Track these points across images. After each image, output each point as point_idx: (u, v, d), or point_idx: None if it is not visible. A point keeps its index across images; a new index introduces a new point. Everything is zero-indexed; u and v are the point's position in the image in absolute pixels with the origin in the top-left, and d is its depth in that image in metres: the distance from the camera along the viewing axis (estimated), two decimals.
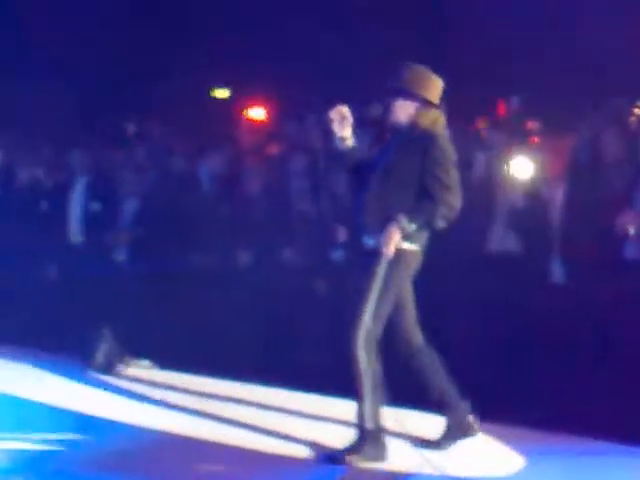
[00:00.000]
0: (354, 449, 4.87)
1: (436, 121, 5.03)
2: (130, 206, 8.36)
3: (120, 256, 8.29)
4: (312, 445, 5.13)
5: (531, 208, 6.84)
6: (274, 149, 8.65)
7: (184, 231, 7.75)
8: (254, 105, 9.97)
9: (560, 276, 6.59)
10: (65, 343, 7.52)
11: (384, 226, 4.85)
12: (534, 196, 6.86)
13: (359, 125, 5.23)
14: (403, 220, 4.81)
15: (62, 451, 5.12)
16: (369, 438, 4.88)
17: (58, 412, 5.97)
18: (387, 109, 5.07)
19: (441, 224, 4.96)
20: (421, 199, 4.91)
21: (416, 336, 5.08)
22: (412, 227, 4.83)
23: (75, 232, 8.56)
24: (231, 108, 10.47)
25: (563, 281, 6.57)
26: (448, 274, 6.41)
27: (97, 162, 8.81)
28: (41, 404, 6.16)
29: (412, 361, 5.05)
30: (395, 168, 4.97)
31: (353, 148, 5.16)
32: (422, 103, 5.02)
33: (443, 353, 5.08)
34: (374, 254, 4.89)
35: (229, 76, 10.59)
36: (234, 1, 10.02)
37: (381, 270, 4.88)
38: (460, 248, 6.68)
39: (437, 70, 5.03)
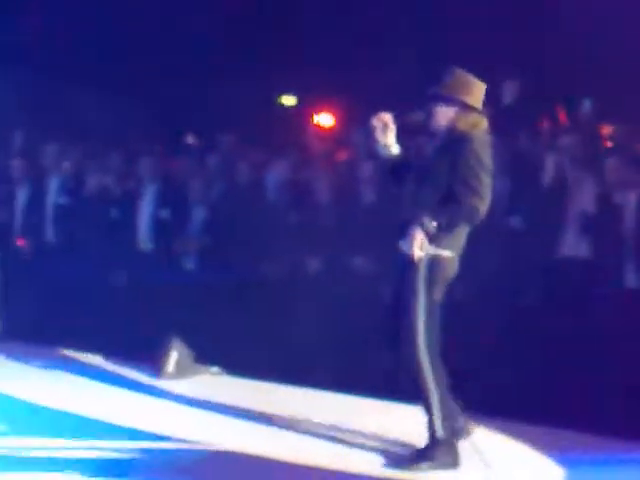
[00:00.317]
0: (424, 456, 4.89)
1: (476, 125, 5.02)
2: (199, 214, 8.45)
3: (188, 264, 8.40)
4: (385, 454, 5.15)
5: (603, 213, 6.82)
6: (342, 156, 8.69)
7: (252, 239, 7.82)
8: (322, 112, 10.01)
9: (633, 281, 6.54)
10: (134, 350, 7.59)
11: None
12: (606, 201, 6.84)
13: (405, 131, 5.29)
14: (425, 220, 4.81)
15: (130, 459, 5.18)
16: (440, 445, 4.88)
17: (126, 420, 5.99)
18: (429, 114, 5.08)
19: (464, 227, 4.96)
20: (447, 201, 4.92)
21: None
22: (433, 226, 4.81)
23: (144, 239, 8.68)
24: (298, 115, 10.52)
25: (636, 286, 6.53)
26: (520, 279, 6.41)
27: (166, 170, 8.97)
28: (107, 412, 6.18)
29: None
30: (430, 171, 4.98)
31: (397, 155, 5.18)
32: (462, 107, 5.02)
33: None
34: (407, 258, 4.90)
35: (296, 83, 10.63)
36: (300, 7, 10.08)
37: (416, 276, 4.89)
38: (532, 253, 6.68)
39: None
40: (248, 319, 7.38)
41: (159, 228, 8.57)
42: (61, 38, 10.42)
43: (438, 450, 4.87)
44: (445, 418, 4.90)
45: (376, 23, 9.27)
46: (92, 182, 9.32)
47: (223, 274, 7.88)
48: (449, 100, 5.04)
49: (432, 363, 4.89)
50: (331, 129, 9.78)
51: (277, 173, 8.41)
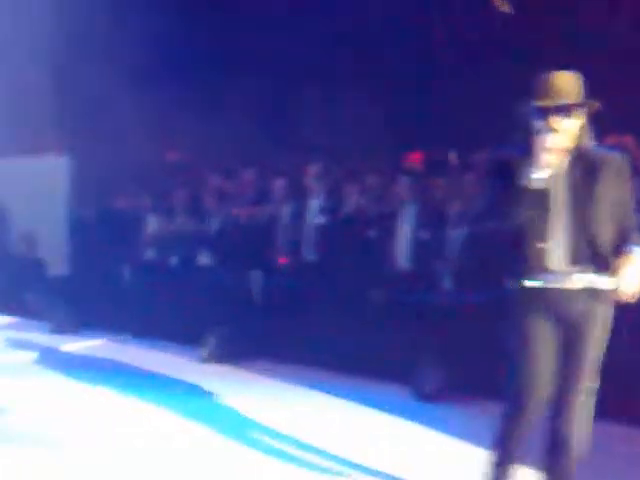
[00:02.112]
0: None
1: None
2: (457, 235, 8.70)
3: (446, 284, 8.63)
4: None
5: None
6: None
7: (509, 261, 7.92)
8: None
9: None
10: (390, 369, 7.92)
11: (591, 261, 4.43)
12: None
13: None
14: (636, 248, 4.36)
15: None
16: None
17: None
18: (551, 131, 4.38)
19: None
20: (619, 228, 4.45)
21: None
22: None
23: (402, 259, 9.05)
24: None
25: None
26: None
27: (424, 190, 9.29)
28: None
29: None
30: (596, 195, 4.41)
31: None
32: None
33: None
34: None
35: None
36: None
37: (604, 316, 4.50)
38: None
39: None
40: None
41: (418, 248, 8.85)
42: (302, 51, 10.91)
43: None
44: None
45: None
46: (350, 202, 9.80)
47: (480, 296, 8.01)
48: (581, 108, 4.44)
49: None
50: None
51: None
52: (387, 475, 5.53)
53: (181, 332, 9.66)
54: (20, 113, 13.15)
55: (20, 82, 13.24)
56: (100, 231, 11.73)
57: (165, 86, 11.76)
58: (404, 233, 9.00)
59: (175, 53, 11.97)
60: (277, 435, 6.35)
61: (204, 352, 9.03)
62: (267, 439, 6.27)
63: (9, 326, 10.97)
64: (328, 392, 7.65)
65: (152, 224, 11.51)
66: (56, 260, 12.39)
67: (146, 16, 11.85)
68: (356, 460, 5.80)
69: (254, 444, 6.14)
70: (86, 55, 12.09)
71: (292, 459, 5.81)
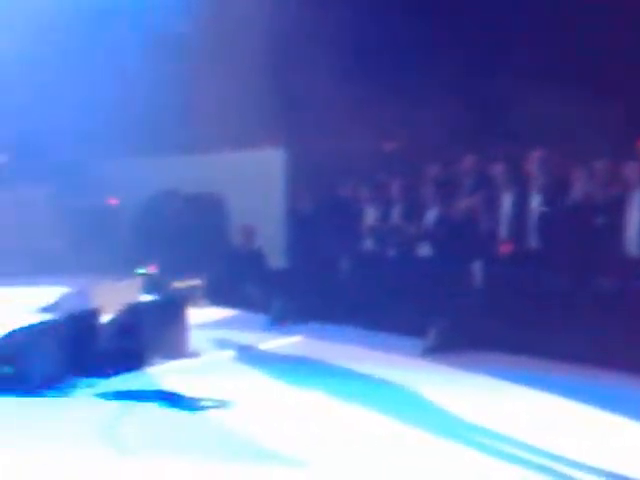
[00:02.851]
0: None
1: None
2: None
3: None
4: None
5: None
6: None
7: None
8: None
9: None
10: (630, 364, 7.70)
11: None
12: None
13: None
14: None
15: None
16: None
17: None
18: None
19: None
20: None
21: None
22: None
23: (633, 245, 8.73)
24: None
25: None
26: None
27: None
28: None
29: None
30: None
31: None
32: None
33: None
34: None
35: None
36: None
37: None
38: None
39: None
40: None
41: None
42: None
43: None
44: None
45: None
46: (575, 189, 9.55)
47: None
48: None
49: None
50: None
51: None
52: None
53: (400, 324, 9.66)
54: (236, 108, 13.50)
55: (236, 77, 13.60)
56: (317, 223, 11.91)
57: (379, 76, 11.82)
58: (634, 219, 8.71)
59: (387, 43, 12.03)
60: (495, 432, 6.24)
61: (425, 344, 9.00)
62: (485, 436, 6.20)
63: (228, 318, 11.28)
64: (559, 388, 7.40)
65: (370, 215, 11.60)
66: (274, 252, 12.65)
67: (352, 6, 11.99)
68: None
69: (475, 442, 6.09)
70: (299, 49, 12.31)
71: (512, 459, 5.72)
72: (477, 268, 9.60)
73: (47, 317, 9.53)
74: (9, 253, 13.77)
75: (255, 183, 13.51)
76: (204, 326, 10.10)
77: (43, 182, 15.44)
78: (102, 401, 6.91)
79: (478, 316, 9.11)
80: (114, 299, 9.41)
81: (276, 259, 12.62)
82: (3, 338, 7.23)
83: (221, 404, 6.80)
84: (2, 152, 11.84)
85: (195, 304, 10.86)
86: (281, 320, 10.72)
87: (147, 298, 10.77)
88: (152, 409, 6.73)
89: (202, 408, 6.72)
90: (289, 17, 12.58)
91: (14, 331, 7.34)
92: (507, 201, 9.90)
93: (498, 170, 10.12)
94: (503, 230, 9.88)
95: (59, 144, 14.89)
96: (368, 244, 11.49)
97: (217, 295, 11.84)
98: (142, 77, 13.83)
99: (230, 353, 8.90)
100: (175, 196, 14.26)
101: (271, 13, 12.87)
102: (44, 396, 6.97)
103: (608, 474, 5.36)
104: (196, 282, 11.84)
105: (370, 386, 7.54)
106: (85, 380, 7.41)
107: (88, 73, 14.26)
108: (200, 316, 10.42)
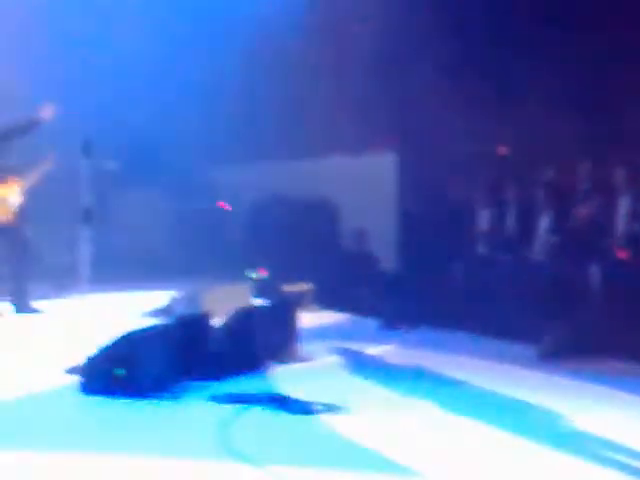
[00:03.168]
0: None
1: None
2: None
3: None
4: None
5: None
6: None
7: None
8: None
9: None
10: None
11: None
12: None
13: None
14: None
15: None
16: None
17: None
18: None
19: None
20: None
21: None
22: None
23: None
24: None
25: None
26: None
27: None
28: None
29: None
30: None
31: None
32: None
33: None
34: None
35: None
36: None
37: None
38: None
39: None
40: None
41: None
42: None
43: None
44: None
45: None
46: None
47: None
48: None
49: None
50: None
51: None
52: None
53: (515, 329, 9.54)
54: (347, 112, 13.55)
55: (347, 81, 13.65)
56: (430, 226, 11.85)
57: (493, 79, 11.72)
58: None
59: (501, 45, 11.91)
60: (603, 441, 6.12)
61: (540, 349, 8.87)
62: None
63: (339, 322, 11.30)
64: None
65: (484, 219, 11.49)
66: (386, 256, 12.64)
67: (463, 8, 11.92)
68: None
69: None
70: (411, 52, 12.29)
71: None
72: (594, 272, 9.43)
73: (159, 321, 9.70)
74: (121, 258, 14.03)
75: (367, 187, 13.52)
76: (315, 330, 10.13)
77: (154, 187, 15.72)
78: (214, 404, 6.98)
79: (596, 322, 8.95)
80: (225, 303, 9.52)
81: (388, 262, 12.60)
82: (116, 341, 7.36)
83: (332, 408, 6.80)
84: (114, 158, 12.08)
85: (306, 308, 10.91)
86: (393, 324, 10.69)
87: (258, 302, 10.88)
88: (264, 413, 6.77)
89: (313, 412, 6.73)
90: (402, 19, 12.58)
91: (127, 334, 7.46)
92: (624, 205, 9.72)
93: (616, 175, 9.94)
94: (620, 235, 9.70)
95: (170, 149, 15.14)
96: (481, 248, 11.39)
97: (328, 299, 11.88)
98: (253, 82, 13.99)
99: (341, 357, 8.89)
100: (285, 200, 14.36)
101: (383, 15, 12.88)
102: (156, 399, 7.07)
103: None
104: (307, 286, 11.90)
105: (483, 394, 7.44)
106: (197, 383, 7.50)
107: (198, 79, 14.48)
108: (311, 320, 10.46)
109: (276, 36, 13.71)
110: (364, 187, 13.59)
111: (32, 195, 11.54)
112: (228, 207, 15.16)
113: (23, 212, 11.46)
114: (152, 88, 14.58)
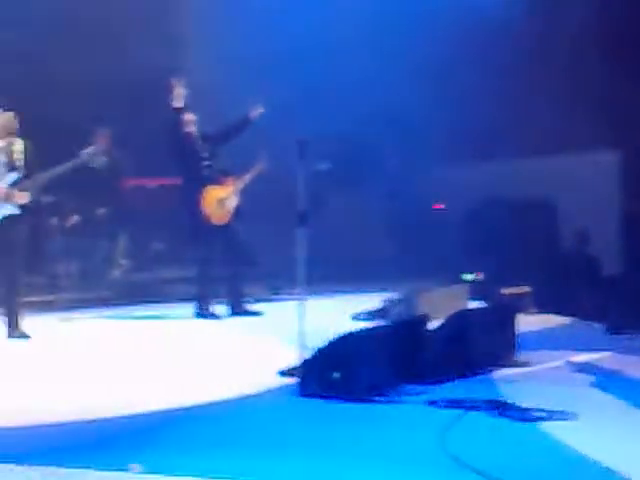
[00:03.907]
0: None
1: None
2: None
3: None
4: None
5: None
6: None
7: None
8: None
9: None
10: None
11: None
12: None
13: None
14: None
15: None
16: None
17: None
18: None
19: None
20: None
21: None
22: None
23: None
24: None
25: None
26: None
27: None
28: None
29: None
30: None
31: None
32: None
33: None
34: None
35: None
36: None
37: None
38: None
39: None
40: None
41: None
42: None
43: None
44: None
45: None
46: None
47: None
48: None
49: None
50: None
51: None
52: None
53: None
54: (568, 109, 13.34)
55: (568, 77, 13.45)
56: None
57: None
58: None
59: None
60: None
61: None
62: None
63: (560, 327, 11.12)
64: None
65: None
66: (610, 257, 12.35)
67: None
68: None
69: None
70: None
71: None
72: None
73: (375, 323, 9.80)
74: (332, 259, 14.21)
75: (586, 186, 13.26)
76: (534, 334, 9.99)
77: (366, 187, 15.86)
78: (432, 409, 6.98)
79: None
80: (441, 306, 9.52)
81: (611, 264, 12.30)
82: (331, 344, 7.46)
83: (555, 415, 6.68)
84: (327, 158, 12.29)
85: (524, 311, 10.76)
86: (618, 328, 10.40)
87: (474, 305, 10.81)
88: (483, 418, 6.72)
89: (535, 419, 6.63)
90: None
91: (342, 337, 7.55)
92: None
93: None
94: None
95: (382, 149, 15.25)
96: None
97: (548, 302, 11.69)
98: (470, 78, 13.93)
99: (562, 363, 8.73)
100: (503, 201, 14.22)
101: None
102: (373, 403, 7.13)
103: None
104: (525, 289, 11.75)
105: None
106: (413, 387, 7.51)
107: (411, 74, 14.52)
108: (530, 324, 10.31)
109: (497, 31, 13.62)
110: (584, 186, 13.32)
111: (247, 196, 11.90)
112: (442, 207, 15.15)
113: (239, 213, 11.82)
114: (364, 86, 14.71)
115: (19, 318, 10.24)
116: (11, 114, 10.19)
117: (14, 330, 10.18)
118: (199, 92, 11.61)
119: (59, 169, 10.24)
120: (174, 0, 16.04)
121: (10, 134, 10.16)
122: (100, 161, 12.85)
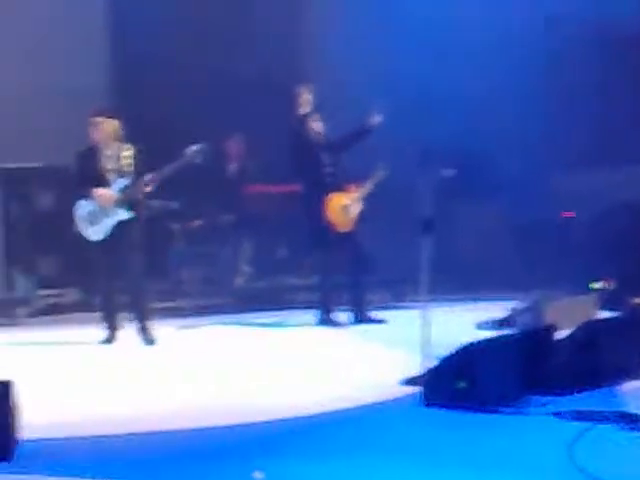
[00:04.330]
0: None
1: None
2: None
3: None
4: None
5: None
6: None
7: None
8: None
9: None
10: None
11: None
12: None
13: None
14: None
15: None
16: None
17: None
18: None
19: None
20: None
21: None
22: None
23: None
24: None
25: None
26: None
27: None
28: None
29: None
30: None
31: None
32: None
33: None
34: None
35: None
36: None
37: None
38: None
39: None
40: None
41: None
42: None
43: None
44: None
45: None
46: None
47: None
48: None
49: None
50: None
51: None
52: None
53: None
54: None
55: None
56: None
57: None
58: None
59: None
60: None
61: None
62: None
63: None
64: None
65: None
66: None
67: None
68: None
69: None
70: None
71: None
72: None
73: (501, 332, 9.74)
74: (456, 267, 14.14)
75: None
76: None
77: (492, 195, 15.73)
78: (558, 420, 6.91)
79: None
80: (569, 315, 9.41)
81: None
82: (457, 354, 7.45)
83: None
84: (451, 166, 12.21)
85: None
86: None
87: (604, 314, 10.65)
88: (612, 432, 6.63)
89: None
90: None
91: (467, 346, 7.53)
92: None
93: None
94: None
95: (508, 155, 15.12)
96: None
97: None
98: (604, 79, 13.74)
99: None
100: (634, 206, 13.97)
101: None
102: (499, 413, 7.10)
103: None
104: None
105: None
106: (540, 398, 7.45)
107: (548, 85, 14.41)
108: None
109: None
110: None
111: (370, 203, 11.95)
112: (572, 215, 14.93)
113: (362, 220, 11.89)
114: (487, 93, 14.62)
115: (147, 324, 10.47)
116: (116, 121, 10.47)
117: (143, 336, 10.42)
118: (325, 99, 11.72)
119: (166, 170, 10.42)
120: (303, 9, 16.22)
121: (117, 140, 10.44)
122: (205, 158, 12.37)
